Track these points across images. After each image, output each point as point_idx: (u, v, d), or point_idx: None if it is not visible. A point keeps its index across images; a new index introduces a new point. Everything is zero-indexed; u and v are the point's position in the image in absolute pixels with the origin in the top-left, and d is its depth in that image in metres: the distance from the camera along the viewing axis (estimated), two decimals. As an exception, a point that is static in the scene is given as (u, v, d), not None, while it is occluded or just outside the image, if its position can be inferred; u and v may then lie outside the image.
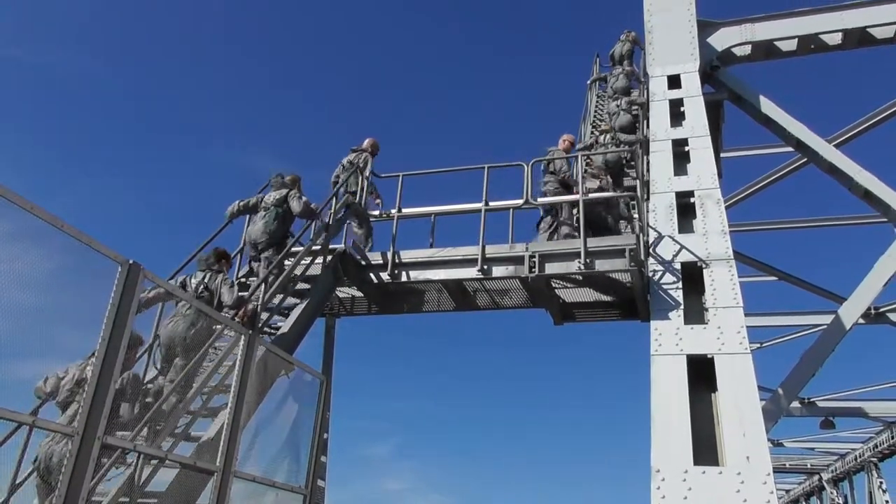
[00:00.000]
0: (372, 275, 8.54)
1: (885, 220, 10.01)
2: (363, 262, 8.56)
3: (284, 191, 8.03)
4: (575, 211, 8.39)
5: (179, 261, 7.35)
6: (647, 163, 9.01)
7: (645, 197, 8.36)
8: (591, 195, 8.21)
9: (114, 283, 4.65)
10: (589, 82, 15.01)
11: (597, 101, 14.40)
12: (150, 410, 5.52)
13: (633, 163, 10.40)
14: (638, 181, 8.34)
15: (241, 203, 8.07)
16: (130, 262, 4.78)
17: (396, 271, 8.38)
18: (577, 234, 7.86)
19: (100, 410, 4.46)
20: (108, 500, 5.19)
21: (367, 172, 9.24)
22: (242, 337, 6.07)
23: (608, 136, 11.23)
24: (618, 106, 12.40)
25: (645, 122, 10.32)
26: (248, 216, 8.15)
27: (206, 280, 6.75)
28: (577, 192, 8.22)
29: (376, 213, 9.07)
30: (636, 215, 8.41)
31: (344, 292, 9.18)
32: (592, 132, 12.78)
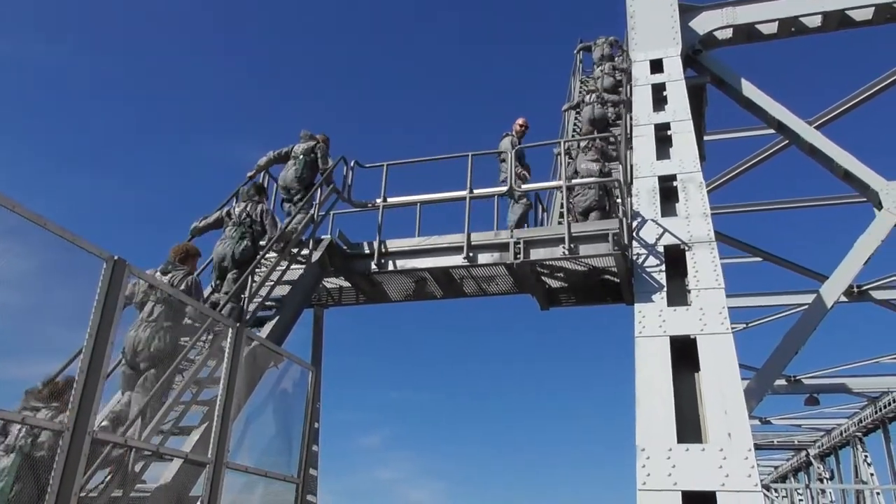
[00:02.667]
0: (358, 264, 8.58)
1: (865, 199, 10.16)
2: (349, 252, 8.59)
3: (312, 143, 9.00)
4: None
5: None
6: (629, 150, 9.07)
7: (628, 180, 8.44)
8: (575, 181, 8.28)
9: (99, 280, 4.67)
10: (575, 51, 15.50)
11: (580, 87, 14.46)
12: (142, 406, 5.56)
13: (618, 122, 11.63)
14: (621, 165, 8.41)
15: (275, 153, 9.08)
16: (115, 257, 4.79)
17: (383, 260, 8.42)
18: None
19: (89, 405, 4.49)
20: (101, 494, 5.23)
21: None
22: (230, 329, 6.11)
23: (594, 95, 12.15)
24: (602, 71, 13.54)
25: (627, 87, 10.54)
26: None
27: (248, 209, 7.77)
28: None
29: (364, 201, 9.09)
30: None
31: (331, 282, 9.21)
32: (580, 91, 13.72)
